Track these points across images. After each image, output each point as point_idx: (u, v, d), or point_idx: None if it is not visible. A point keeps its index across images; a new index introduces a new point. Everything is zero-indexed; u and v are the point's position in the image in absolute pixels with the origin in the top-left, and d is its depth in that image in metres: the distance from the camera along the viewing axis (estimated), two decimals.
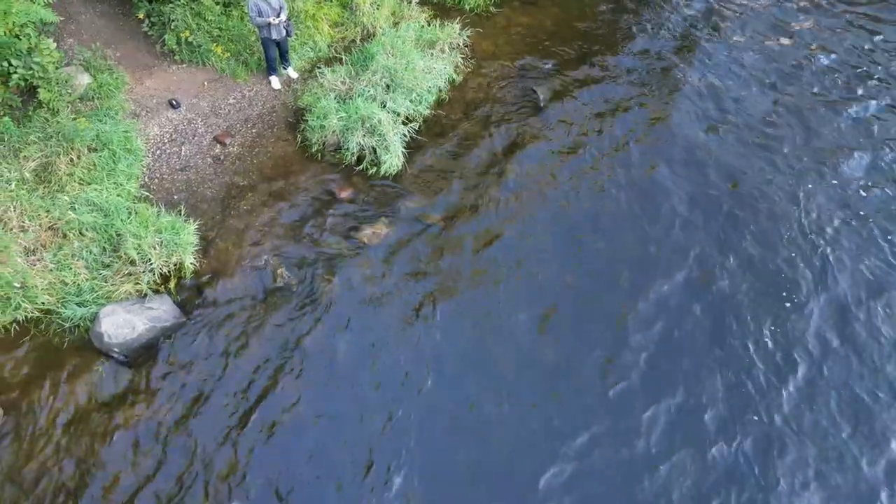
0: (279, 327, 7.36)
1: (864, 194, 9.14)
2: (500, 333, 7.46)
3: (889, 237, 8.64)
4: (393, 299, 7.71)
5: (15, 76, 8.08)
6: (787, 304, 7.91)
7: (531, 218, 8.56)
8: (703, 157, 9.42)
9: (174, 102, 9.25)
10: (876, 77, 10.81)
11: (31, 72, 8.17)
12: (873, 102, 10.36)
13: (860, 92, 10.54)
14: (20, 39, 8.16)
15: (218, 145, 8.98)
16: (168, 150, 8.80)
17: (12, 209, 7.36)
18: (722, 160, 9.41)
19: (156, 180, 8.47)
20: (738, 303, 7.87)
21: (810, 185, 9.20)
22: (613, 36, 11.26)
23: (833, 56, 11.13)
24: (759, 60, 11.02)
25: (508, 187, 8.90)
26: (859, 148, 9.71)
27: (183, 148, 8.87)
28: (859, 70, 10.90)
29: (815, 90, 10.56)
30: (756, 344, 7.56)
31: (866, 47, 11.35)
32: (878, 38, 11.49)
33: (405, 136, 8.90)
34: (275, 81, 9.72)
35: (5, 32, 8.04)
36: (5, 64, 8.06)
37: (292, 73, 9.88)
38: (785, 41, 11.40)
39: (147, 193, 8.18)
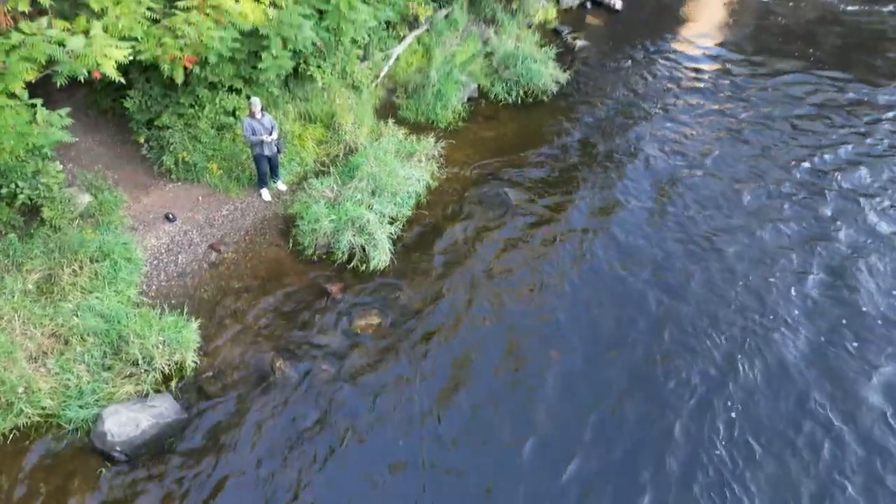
0: (280, 419, 7.48)
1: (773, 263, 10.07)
2: (491, 415, 7.72)
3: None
4: (390, 385, 7.97)
5: (21, 196, 8.58)
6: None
7: (508, 305, 9.14)
8: (645, 249, 10.30)
9: (170, 216, 9.81)
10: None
11: (36, 192, 8.70)
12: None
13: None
14: (27, 163, 8.78)
15: (213, 252, 9.45)
16: (165, 259, 9.22)
17: (16, 318, 7.56)
18: (661, 249, 10.29)
19: (154, 287, 8.81)
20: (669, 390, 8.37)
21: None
22: (563, 142, 12.53)
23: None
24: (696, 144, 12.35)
25: (485, 278, 9.53)
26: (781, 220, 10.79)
27: (180, 256, 9.32)
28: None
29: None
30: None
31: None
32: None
33: (391, 234, 9.56)
34: (265, 194, 10.44)
35: (13, 158, 8.67)
36: (12, 186, 8.60)
37: (281, 185, 10.63)
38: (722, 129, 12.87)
39: (146, 299, 8.48)
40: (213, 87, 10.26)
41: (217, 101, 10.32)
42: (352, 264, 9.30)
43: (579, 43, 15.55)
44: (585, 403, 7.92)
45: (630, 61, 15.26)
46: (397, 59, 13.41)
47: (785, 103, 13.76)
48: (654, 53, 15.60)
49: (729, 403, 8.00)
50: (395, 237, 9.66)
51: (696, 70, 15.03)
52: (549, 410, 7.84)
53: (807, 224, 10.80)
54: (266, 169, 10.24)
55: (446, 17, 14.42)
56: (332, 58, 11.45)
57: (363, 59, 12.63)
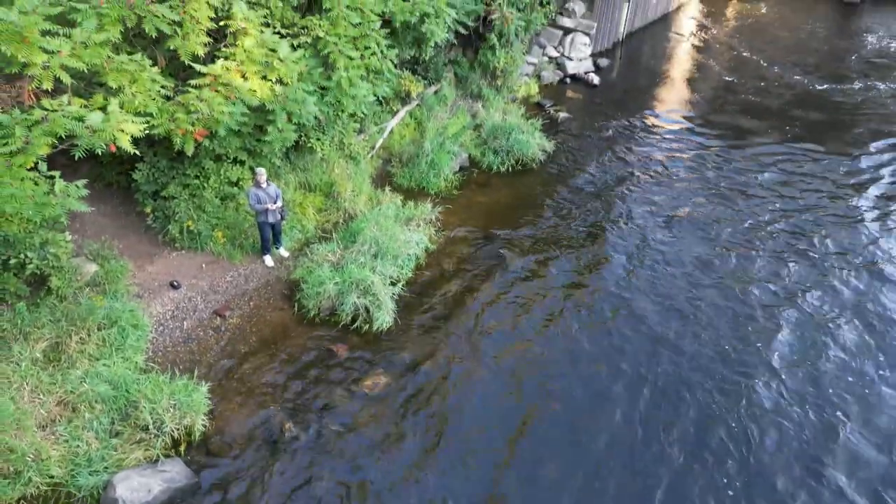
0: (290, 480, 7.45)
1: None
2: (498, 469, 7.78)
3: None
4: (398, 442, 8.00)
5: (30, 266, 8.72)
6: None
7: (507, 359, 9.35)
8: (631, 303, 10.68)
9: (175, 283, 9.97)
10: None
11: (45, 262, 8.85)
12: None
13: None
14: (36, 234, 8.98)
15: (218, 318, 9.58)
16: (171, 325, 9.32)
17: (25, 386, 7.55)
18: (644, 304, 10.67)
19: (160, 353, 8.87)
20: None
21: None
22: (552, 206, 13.09)
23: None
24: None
25: (485, 334, 9.77)
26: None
27: (185, 322, 9.42)
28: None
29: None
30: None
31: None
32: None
33: (393, 295, 9.81)
34: (268, 260, 10.69)
35: (22, 230, 8.88)
36: (21, 256, 8.75)
37: (283, 252, 10.91)
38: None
39: (153, 365, 8.53)
40: (218, 158, 10.69)
41: (222, 172, 10.72)
42: (355, 325, 9.48)
43: (562, 115, 16.45)
44: (587, 452, 8.02)
45: (610, 131, 16.14)
46: (391, 131, 14.08)
47: (756, 171, 14.58)
48: (631, 125, 16.53)
49: (716, 456, 8.15)
50: (397, 298, 9.90)
51: (670, 140, 15.93)
52: (553, 460, 7.90)
53: (781, 284, 11.26)
54: (269, 236, 10.54)
55: (436, 93, 15.28)
56: (330, 131, 12.04)
57: (360, 131, 13.27)
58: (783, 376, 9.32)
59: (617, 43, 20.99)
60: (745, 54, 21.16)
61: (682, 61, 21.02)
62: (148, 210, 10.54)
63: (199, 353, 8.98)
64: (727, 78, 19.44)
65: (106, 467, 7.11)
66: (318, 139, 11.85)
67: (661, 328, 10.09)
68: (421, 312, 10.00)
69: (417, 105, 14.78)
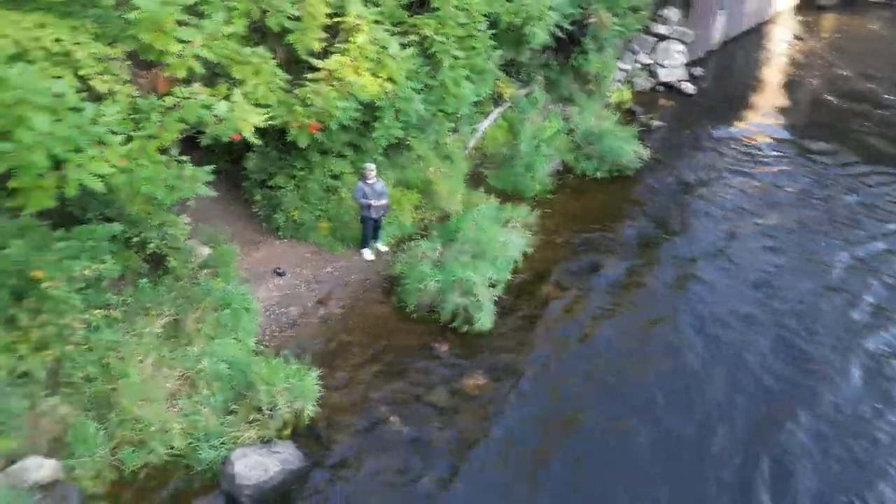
0: (394, 472, 7.50)
1: None
2: (600, 481, 7.61)
3: None
4: (499, 445, 7.95)
5: (151, 246, 9.12)
6: None
7: (604, 369, 9.14)
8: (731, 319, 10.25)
9: (280, 271, 10.25)
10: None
11: (164, 242, 9.24)
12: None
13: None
14: (156, 215, 9.39)
15: (321, 306, 9.78)
16: (278, 311, 9.58)
17: (148, 359, 7.89)
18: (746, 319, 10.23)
19: (268, 336, 9.13)
20: None
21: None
22: (649, 214, 12.80)
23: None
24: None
25: (583, 342, 9.63)
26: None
27: (290, 309, 9.67)
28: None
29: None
30: None
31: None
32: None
33: (493, 297, 9.76)
34: (367, 253, 10.86)
35: (143, 209, 9.30)
36: (143, 235, 9.16)
37: (382, 246, 11.06)
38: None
39: (263, 348, 8.77)
40: (323, 152, 10.94)
41: (326, 165, 10.97)
42: (454, 324, 9.48)
43: (655, 123, 16.09)
44: (689, 467, 7.74)
45: (705, 142, 15.68)
46: (483, 132, 14.10)
47: (854, 191, 13.82)
48: (727, 136, 16.01)
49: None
50: (496, 300, 9.85)
51: (765, 154, 15.29)
52: (655, 475, 7.66)
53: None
54: (371, 230, 10.70)
55: (527, 95, 15.21)
56: (429, 129, 12.14)
57: (454, 131, 13.33)
58: None
59: (710, 52, 20.37)
60: (843, 71, 20.17)
61: (777, 74, 20.23)
62: (256, 198, 10.88)
63: (304, 339, 9.18)
64: (825, 93, 18.56)
65: (223, 443, 7.34)
66: (416, 137, 11.98)
67: (770, 343, 9.67)
68: (519, 316, 9.93)
69: (509, 107, 14.76)
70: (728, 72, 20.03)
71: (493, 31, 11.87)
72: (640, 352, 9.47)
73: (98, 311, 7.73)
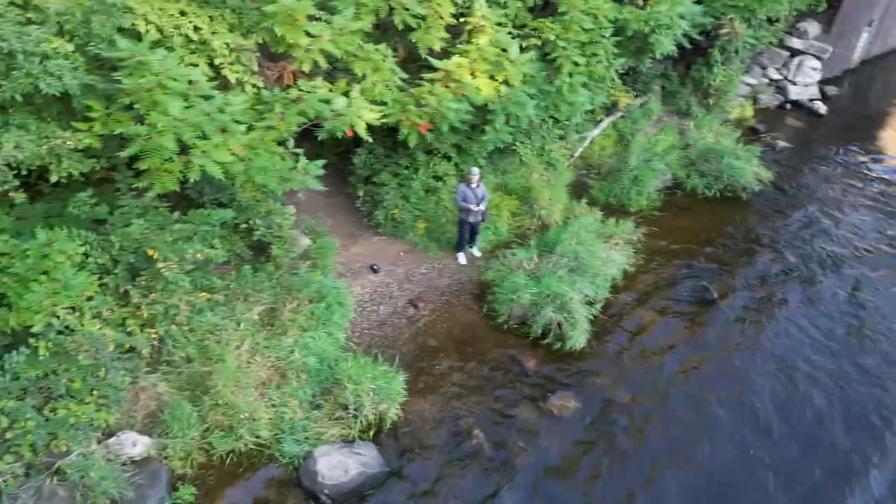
0: (474, 488, 7.33)
1: None
2: None
3: None
4: (584, 473, 7.60)
5: (257, 233, 9.33)
6: None
7: (705, 407, 8.55)
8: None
9: (375, 267, 10.27)
10: None
11: (270, 230, 9.43)
12: None
13: None
14: (263, 202, 9.59)
15: (411, 308, 9.72)
16: (368, 308, 9.60)
17: (245, 345, 8.08)
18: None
19: (357, 333, 9.16)
20: None
21: None
22: (765, 242, 11.88)
23: None
24: None
25: (687, 375, 9.05)
26: None
27: (381, 307, 9.66)
28: None
29: None
30: None
31: None
32: None
33: (589, 315, 9.35)
34: (461, 258, 10.69)
35: (253, 196, 9.52)
36: (251, 222, 9.39)
37: (476, 252, 10.86)
38: None
39: (352, 344, 8.81)
40: (429, 152, 10.83)
41: (431, 165, 10.86)
42: (546, 340, 9.16)
43: (780, 143, 14.92)
44: None
45: (834, 168, 14.41)
46: (591, 141, 13.56)
47: None
48: (860, 164, 14.64)
49: None
50: (592, 319, 9.43)
51: None
52: None
53: None
54: (467, 235, 10.52)
55: (642, 105, 14.49)
56: (535, 135, 11.78)
57: (561, 138, 12.87)
58: None
59: (848, 71, 18.69)
60: None
61: None
62: (360, 193, 10.94)
63: (392, 339, 9.14)
64: None
65: (307, 438, 7.41)
66: (523, 143, 11.65)
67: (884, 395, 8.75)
68: (615, 339, 9.47)
69: (621, 116, 14.11)
70: (866, 93, 18.32)
71: (618, 39, 11.31)
72: (737, 399, 8.79)
73: (203, 293, 7.99)
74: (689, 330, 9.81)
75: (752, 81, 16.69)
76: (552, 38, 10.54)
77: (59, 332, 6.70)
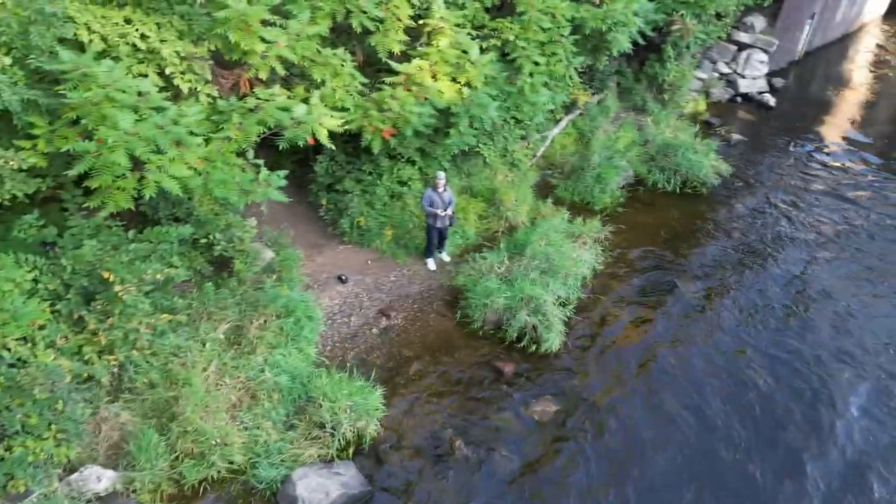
0: (459, 499, 7.15)
1: None
2: None
3: None
4: (569, 476, 7.52)
5: (218, 248, 8.94)
6: None
7: (681, 399, 8.61)
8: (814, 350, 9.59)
9: (343, 277, 10.00)
10: None
11: (231, 244, 9.06)
12: None
13: None
14: (222, 216, 9.22)
15: (383, 318, 9.49)
16: (339, 320, 9.33)
17: (211, 367, 7.72)
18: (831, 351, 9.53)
19: (329, 347, 8.88)
20: None
21: None
22: (726, 234, 12.10)
23: None
24: None
25: (661, 369, 9.10)
26: None
27: (351, 318, 9.41)
28: None
29: None
30: None
31: None
32: None
33: (564, 317, 9.31)
34: (431, 263, 10.52)
35: (211, 210, 9.15)
36: (210, 237, 9.00)
37: (445, 256, 10.70)
38: None
39: (323, 359, 8.54)
40: (392, 157, 10.63)
41: (395, 170, 10.66)
42: (522, 343, 9.07)
43: (734, 136, 15.28)
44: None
45: (786, 158, 14.81)
46: (552, 140, 13.58)
47: None
48: (811, 154, 15.12)
49: None
50: (566, 320, 9.39)
51: (852, 172, 14.40)
52: None
53: None
54: (435, 240, 10.36)
55: (599, 103, 14.60)
56: (498, 137, 11.70)
57: (522, 138, 12.84)
58: None
59: (793, 63, 19.32)
60: None
61: (863, 86, 19.06)
62: (323, 202, 10.65)
63: (365, 351, 8.90)
64: None
65: (283, 460, 7.11)
66: (486, 144, 11.56)
67: (846, 388, 8.99)
68: (589, 338, 9.45)
69: (580, 114, 14.18)
70: (811, 84, 18.97)
71: (576, 37, 11.34)
72: (711, 384, 8.90)
73: (164, 315, 7.59)
74: (661, 324, 9.87)
75: (703, 76, 17.04)
76: (511, 38, 10.49)
77: (11, 366, 6.24)
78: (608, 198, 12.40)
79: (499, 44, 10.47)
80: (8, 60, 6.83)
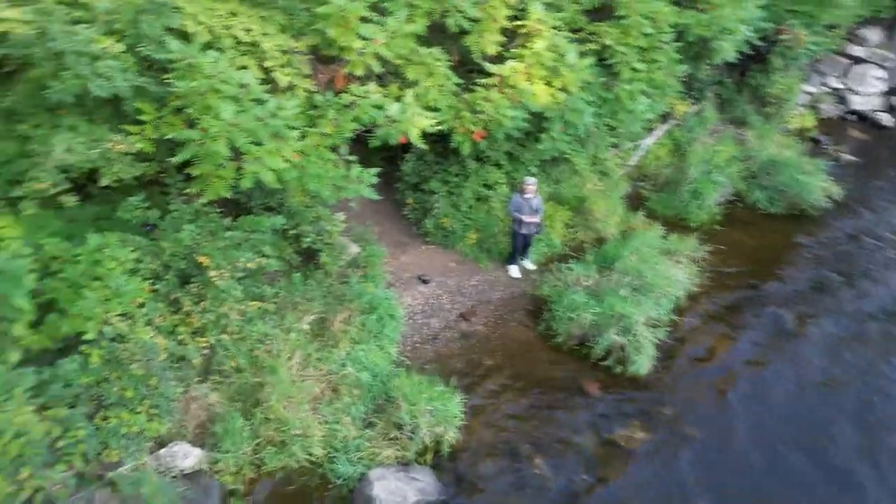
0: None
1: None
2: None
3: None
4: None
5: (307, 240, 9.06)
6: None
7: (783, 445, 7.90)
8: None
9: (425, 278, 9.92)
10: None
11: (320, 237, 9.16)
12: None
13: None
14: (313, 210, 9.32)
15: (463, 322, 9.33)
16: (419, 321, 9.24)
17: (296, 357, 7.77)
18: None
19: (409, 347, 8.79)
20: None
21: None
22: (839, 265, 11.16)
23: None
24: None
25: (765, 408, 8.40)
26: None
27: (432, 320, 9.29)
28: None
29: None
30: None
31: None
32: None
33: (656, 339, 8.81)
34: (514, 270, 10.28)
35: (301, 202, 9.26)
36: (300, 228, 9.12)
37: (529, 264, 10.43)
38: None
39: (403, 359, 8.44)
40: (480, 160, 10.47)
41: (482, 173, 10.50)
42: (607, 363, 8.66)
43: (845, 157, 14.21)
44: None
45: None
46: (646, 150, 13.06)
47: None
48: None
49: None
50: (657, 342, 8.89)
51: None
52: None
53: None
54: (520, 246, 10.11)
55: (697, 114, 13.94)
56: (588, 143, 11.33)
57: (614, 146, 12.40)
58: None
59: None
60: None
61: None
62: (408, 201, 10.63)
63: (445, 356, 8.75)
64: None
65: (360, 458, 7.05)
66: (576, 151, 11.21)
67: None
68: (680, 363, 8.90)
69: (677, 125, 13.58)
70: None
71: (678, 44, 10.83)
72: (817, 421, 8.16)
73: (254, 302, 7.73)
74: (760, 360, 9.15)
75: (812, 90, 15.98)
76: (611, 43, 10.13)
77: (112, 340, 6.48)
78: (705, 214, 11.75)
79: (597, 48, 10.12)
80: (121, 47, 7.13)
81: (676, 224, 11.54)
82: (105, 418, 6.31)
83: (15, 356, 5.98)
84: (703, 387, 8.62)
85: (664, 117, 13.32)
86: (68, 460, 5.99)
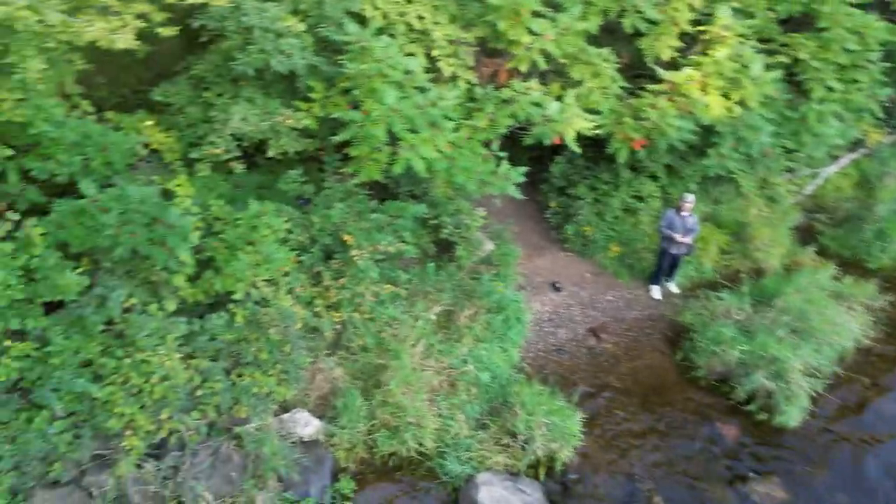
0: None
1: None
2: None
3: None
4: None
5: (445, 231, 9.04)
6: None
7: None
8: None
9: (557, 285, 9.56)
10: None
11: (458, 230, 9.11)
12: None
13: None
14: (455, 202, 9.28)
15: (592, 338, 8.89)
16: (546, 329, 8.93)
17: (420, 345, 7.79)
18: None
19: (531, 355, 8.52)
20: None
21: None
22: None
23: None
24: None
25: None
26: None
27: (559, 331, 8.94)
28: None
29: None
30: None
31: None
32: None
33: (812, 391, 7.83)
34: (655, 291, 9.62)
35: (444, 193, 9.24)
36: (440, 219, 9.13)
37: (673, 287, 9.71)
38: None
39: (526, 365, 8.20)
40: (634, 169, 9.88)
41: (634, 183, 9.91)
42: (750, 407, 7.83)
43: None
44: None
45: None
46: (826, 179, 11.66)
47: None
48: None
49: None
50: (813, 395, 7.90)
51: None
52: None
53: None
54: (666, 266, 9.42)
55: (894, 145, 12.20)
56: (759, 165, 10.27)
57: (788, 171, 11.16)
58: None
59: None
60: None
61: None
62: (552, 204, 10.30)
63: (569, 369, 8.38)
64: None
65: (470, 458, 6.93)
66: (744, 171, 10.20)
67: None
68: (836, 422, 7.87)
69: (866, 154, 11.98)
70: None
71: (885, 65, 9.48)
72: None
73: (388, 285, 7.84)
74: None
75: None
76: (804, 56, 9.06)
77: (256, 303, 6.86)
78: (888, 259, 10.29)
79: (787, 61, 9.10)
80: (302, 27, 7.50)
81: (853, 265, 10.21)
82: (240, 375, 6.69)
83: (172, 305, 6.50)
84: (859, 453, 7.53)
85: (854, 145, 11.79)
86: (203, 409, 6.43)
